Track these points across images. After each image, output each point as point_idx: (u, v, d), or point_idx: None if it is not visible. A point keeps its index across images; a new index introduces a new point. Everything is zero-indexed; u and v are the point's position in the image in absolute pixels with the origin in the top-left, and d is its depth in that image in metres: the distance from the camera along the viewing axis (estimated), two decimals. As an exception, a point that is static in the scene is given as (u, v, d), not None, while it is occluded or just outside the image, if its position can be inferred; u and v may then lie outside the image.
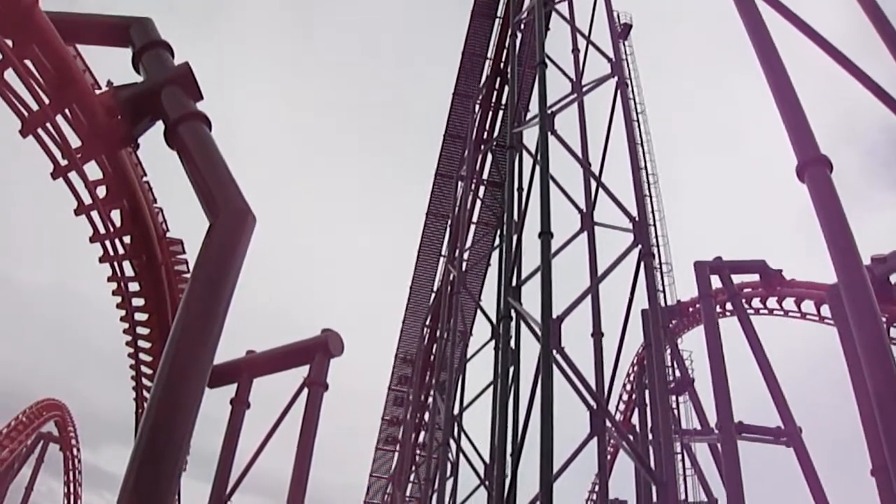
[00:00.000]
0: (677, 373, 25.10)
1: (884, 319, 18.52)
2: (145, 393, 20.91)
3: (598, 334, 18.24)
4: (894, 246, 10.11)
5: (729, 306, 22.41)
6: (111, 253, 16.20)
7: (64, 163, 12.83)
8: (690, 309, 27.44)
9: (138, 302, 17.97)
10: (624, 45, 38.28)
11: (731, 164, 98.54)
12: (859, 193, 79.34)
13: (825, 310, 24.13)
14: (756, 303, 26.13)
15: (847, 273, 6.92)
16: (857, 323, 6.62)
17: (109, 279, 17.08)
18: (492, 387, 21.99)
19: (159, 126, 9.77)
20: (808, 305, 25.24)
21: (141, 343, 19.44)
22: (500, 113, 31.76)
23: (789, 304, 25.74)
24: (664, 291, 30.81)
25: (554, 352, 13.55)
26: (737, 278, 21.33)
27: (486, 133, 32.66)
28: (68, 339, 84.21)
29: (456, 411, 24.19)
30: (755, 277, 23.26)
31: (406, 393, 38.99)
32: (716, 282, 19.75)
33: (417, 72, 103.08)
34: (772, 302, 25.96)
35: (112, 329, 19.75)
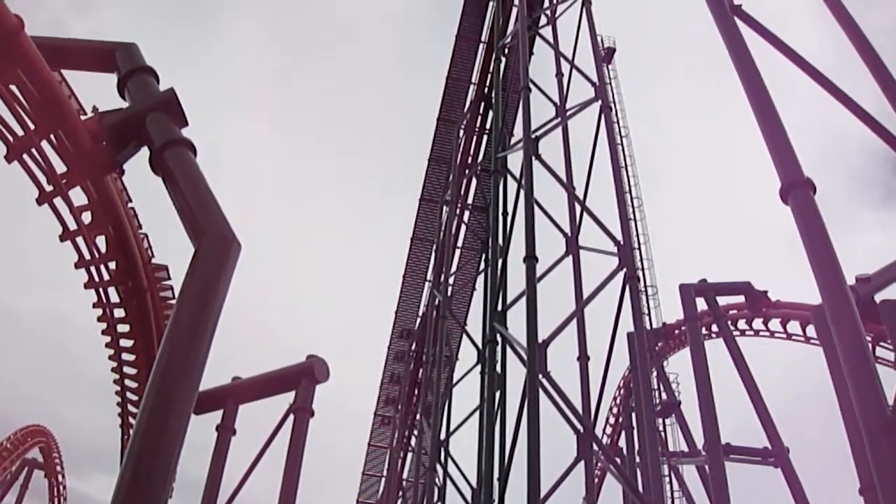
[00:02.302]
0: (664, 395, 25.12)
1: (869, 339, 18.65)
2: (131, 419, 20.81)
3: (584, 358, 18.28)
4: (878, 266, 10.18)
5: (715, 328, 22.45)
6: (96, 279, 16.17)
7: (49, 188, 12.81)
8: (676, 331, 27.51)
9: (123, 328, 17.91)
10: (608, 68, 38.51)
11: (716, 186, 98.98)
12: (843, 214, 79.84)
13: (811, 330, 24.23)
14: (742, 324, 26.23)
15: (831, 294, 6.94)
16: (841, 343, 6.64)
17: (95, 305, 17.03)
18: (478, 411, 21.95)
19: (144, 152, 9.77)
20: (794, 326, 25.35)
21: (126, 369, 19.36)
22: (485, 137, 31.86)
23: (775, 325, 25.84)
24: (650, 314, 30.94)
25: (540, 376, 13.55)
26: (722, 300, 21.37)
27: (470, 158, 32.73)
28: (54, 364, 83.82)
29: (442, 436, 24.13)
30: (741, 299, 23.33)
31: (393, 418, 38.89)
32: (701, 304, 19.79)
33: (403, 95, 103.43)
34: (757, 323, 26.06)
35: (98, 355, 19.70)
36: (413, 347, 37.28)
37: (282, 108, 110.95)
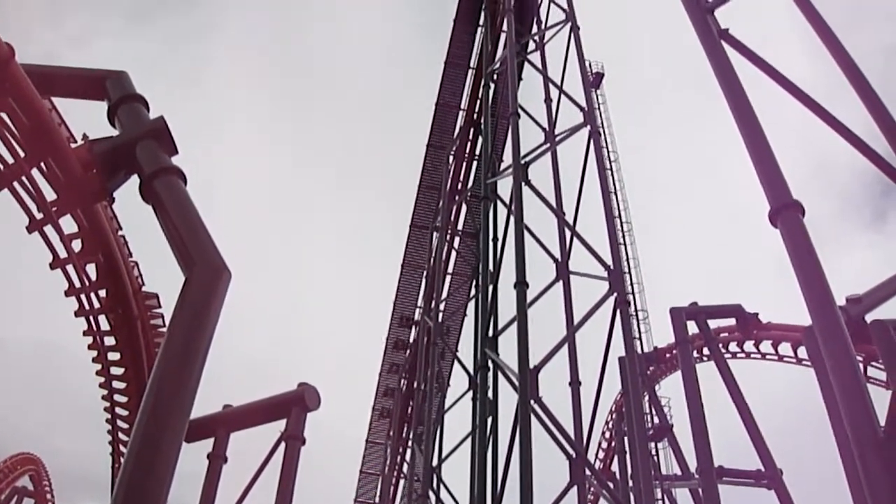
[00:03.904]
0: (656, 419, 25.09)
1: (860, 359, 18.66)
2: (122, 447, 20.69)
3: (575, 383, 18.28)
4: (869, 286, 10.23)
5: (706, 351, 22.46)
6: (87, 307, 16.12)
7: (39, 216, 12.78)
8: (667, 355, 27.49)
9: (114, 356, 17.84)
10: (596, 93, 38.65)
11: (706, 209, 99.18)
12: (833, 235, 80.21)
13: (802, 352, 24.26)
14: (733, 347, 26.24)
15: (821, 316, 6.97)
16: (832, 365, 6.66)
17: (85, 333, 16.98)
18: (470, 437, 21.91)
19: (135, 180, 9.76)
20: (785, 348, 25.38)
21: (117, 397, 19.26)
22: (475, 164, 31.96)
23: (766, 347, 25.86)
24: (640, 338, 30.90)
25: (532, 402, 13.53)
26: (713, 323, 21.38)
27: (460, 184, 32.84)
28: (44, 392, 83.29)
29: (434, 462, 24.05)
30: (732, 322, 23.34)
31: (384, 444, 38.79)
32: (692, 327, 19.80)
33: (394, 122, 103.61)
34: (749, 345, 26.08)
35: (88, 383, 19.60)
36: (404, 373, 37.24)
37: (271, 137, 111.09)
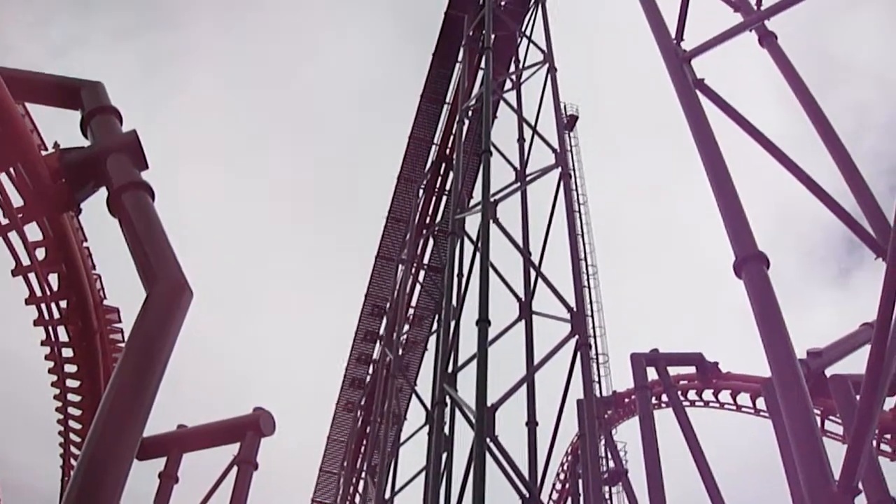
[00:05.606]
0: (611, 463, 25.09)
1: (818, 412, 18.74)
2: (73, 462, 20.42)
3: (532, 423, 18.24)
4: (830, 340, 10.34)
5: (665, 398, 22.49)
6: (46, 317, 15.96)
7: (5, 222, 12.67)
8: (626, 400, 27.55)
9: (70, 368, 17.65)
10: (569, 136, 38.88)
11: (672, 256, 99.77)
12: (797, 289, 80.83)
13: (761, 402, 24.34)
14: (692, 395, 26.30)
15: (781, 368, 7.00)
16: (789, 417, 6.69)
17: (43, 343, 16.79)
18: (424, 472, 21.81)
19: (103, 192, 9.69)
20: (744, 398, 25.45)
21: (71, 410, 19.03)
22: (444, 198, 32.03)
23: (725, 396, 25.95)
24: (600, 382, 30.90)
25: (488, 440, 13.51)
26: (673, 370, 21.42)
27: (428, 218, 32.89)
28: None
29: (387, 495, 23.92)
30: (692, 370, 23.41)
31: (338, 474, 38.52)
32: (652, 373, 19.84)
33: (364, 154, 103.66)
34: (708, 394, 26.14)
35: (44, 394, 19.35)
36: (362, 404, 37.07)
37: (239, 161, 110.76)
